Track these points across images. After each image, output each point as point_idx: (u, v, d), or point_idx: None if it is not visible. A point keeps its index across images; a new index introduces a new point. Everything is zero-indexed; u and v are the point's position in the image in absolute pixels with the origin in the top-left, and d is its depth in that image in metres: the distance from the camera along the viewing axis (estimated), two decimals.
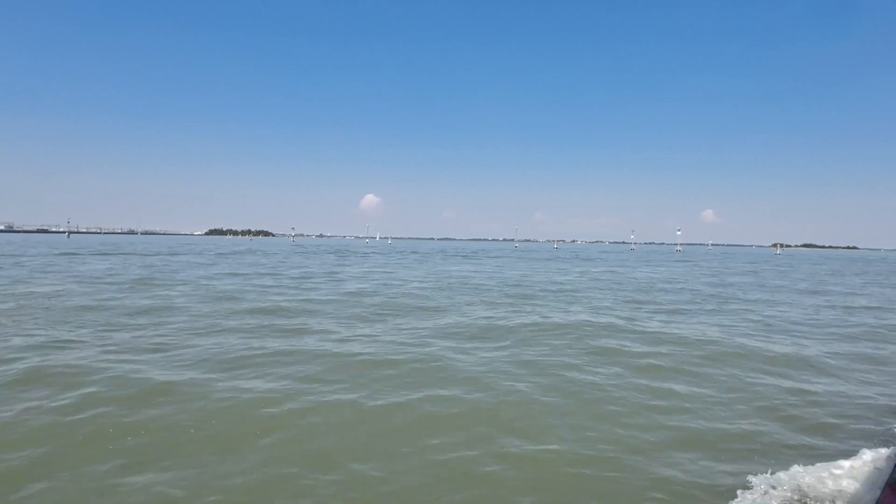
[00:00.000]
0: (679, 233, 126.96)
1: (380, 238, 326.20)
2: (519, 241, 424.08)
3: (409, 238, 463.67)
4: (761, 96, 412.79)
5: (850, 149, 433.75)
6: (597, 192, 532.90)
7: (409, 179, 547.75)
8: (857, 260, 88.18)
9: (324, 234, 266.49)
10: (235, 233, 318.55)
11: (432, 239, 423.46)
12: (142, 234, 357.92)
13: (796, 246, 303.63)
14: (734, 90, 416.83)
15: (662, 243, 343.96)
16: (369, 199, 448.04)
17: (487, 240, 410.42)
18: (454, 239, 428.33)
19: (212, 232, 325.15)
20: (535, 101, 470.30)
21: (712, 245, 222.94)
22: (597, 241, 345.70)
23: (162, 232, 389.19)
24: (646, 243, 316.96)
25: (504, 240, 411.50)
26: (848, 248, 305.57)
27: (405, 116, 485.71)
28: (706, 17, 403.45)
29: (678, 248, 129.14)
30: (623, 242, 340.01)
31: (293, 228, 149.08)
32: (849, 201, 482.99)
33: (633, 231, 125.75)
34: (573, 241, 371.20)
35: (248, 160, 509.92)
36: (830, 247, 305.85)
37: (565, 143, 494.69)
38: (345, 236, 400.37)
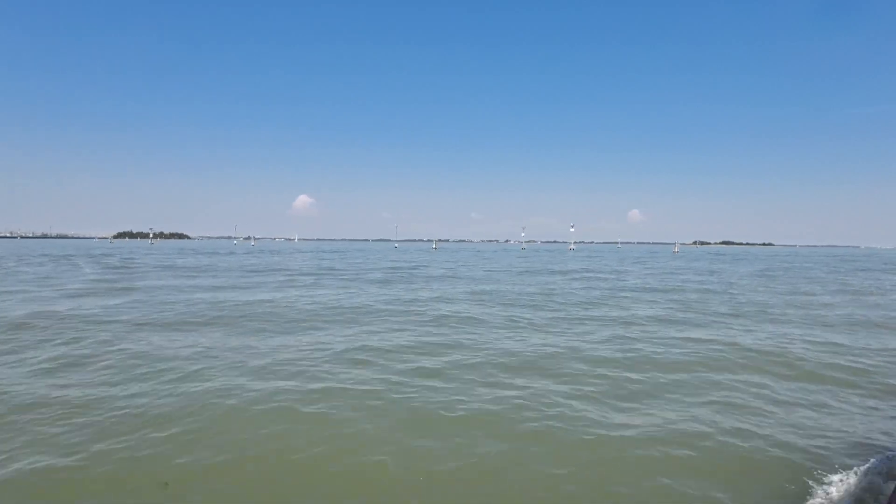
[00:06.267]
0: (572, 230, 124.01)
1: (298, 240, 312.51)
2: (454, 240, 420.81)
3: (342, 239, 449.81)
4: (690, 98, 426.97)
5: (767, 149, 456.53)
6: (531, 192, 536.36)
7: (345, 181, 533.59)
8: (742, 256, 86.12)
9: (253, 236, 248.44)
10: (146, 235, 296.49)
11: (367, 240, 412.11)
12: (55, 237, 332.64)
13: (715, 243, 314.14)
14: (674, 91, 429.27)
15: (592, 242, 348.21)
16: (303, 199, 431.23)
17: (423, 240, 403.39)
18: (389, 240, 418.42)
19: (121, 235, 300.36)
20: (481, 103, 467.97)
21: (621, 243, 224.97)
22: (531, 241, 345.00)
23: (74, 235, 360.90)
24: (576, 242, 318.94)
25: (440, 240, 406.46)
26: (764, 244, 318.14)
27: (342, 117, 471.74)
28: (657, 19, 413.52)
29: (571, 246, 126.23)
30: (555, 242, 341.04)
31: (151, 229, 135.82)
32: (765, 200, 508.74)
33: (523, 228, 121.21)
34: (506, 240, 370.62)
35: (169, 161, 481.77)
36: (747, 244, 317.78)
37: (504, 144, 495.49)
38: (274, 238, 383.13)
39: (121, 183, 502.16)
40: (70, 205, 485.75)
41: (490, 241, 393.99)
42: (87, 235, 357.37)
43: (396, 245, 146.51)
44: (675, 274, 35.29)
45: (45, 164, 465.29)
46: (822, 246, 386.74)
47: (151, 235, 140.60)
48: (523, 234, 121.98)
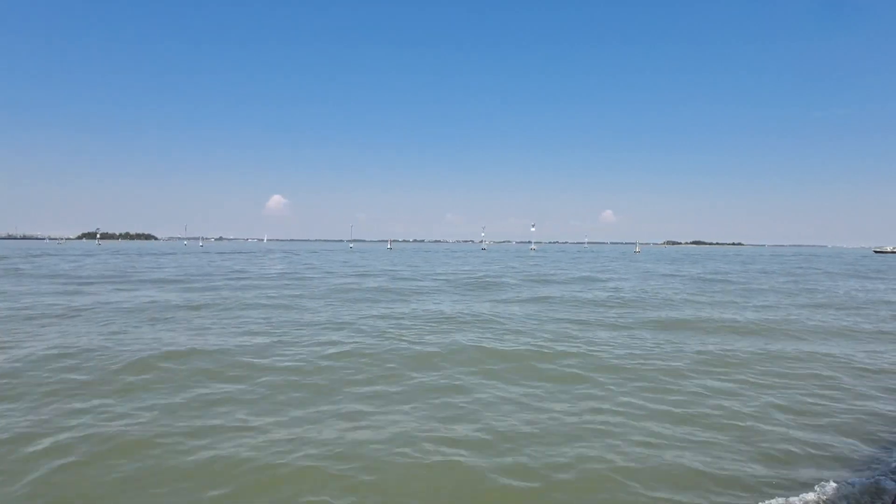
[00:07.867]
0: (533, 230, 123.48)
1: (267, 240, 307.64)
2: (430, 240, 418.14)
3: (315, 240, 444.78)
4: (681, 98, 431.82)
5: (743, 150, 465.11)
6: (508, 193, 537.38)
7: (319, 181, 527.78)
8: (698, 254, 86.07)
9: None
10: (112, 236, 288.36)
11: (342, 241, 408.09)
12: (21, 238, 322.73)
13: (686, 243, 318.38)
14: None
15: (566, 242, 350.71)
16: (276, 200, 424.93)
17: (397, 240, 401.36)
18: (364, 240, 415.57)
19: (84, 235, 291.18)
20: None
21: (588, 243, 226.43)
22: (505, 241, 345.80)
23: (40, 236, 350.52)
24: (550, 242, 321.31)
25: (415, 240, 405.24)
26: (733, 244, 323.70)
27: (313, 117, 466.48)
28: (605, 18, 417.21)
29: (533, 247, 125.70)
30: (528, 241, 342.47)
31: (98, 229, 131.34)
32: (736, 201, 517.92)
33: (483, 228, 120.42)
34: (480, 241, 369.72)
35: (148, 162, 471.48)
36: (717, 243, 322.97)
37: (498, 144, 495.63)
38: (247, 239, 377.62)
39: (99, 184, 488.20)
40: (51, 207, 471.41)
41: (465, 241, 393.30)
42: (53, 236, 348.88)
43: (352, 246, 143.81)
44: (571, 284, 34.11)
45: (27, 165, 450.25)
46: (790, 245, 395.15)
47: (98, 237, 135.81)
48: (483, 234, 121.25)
